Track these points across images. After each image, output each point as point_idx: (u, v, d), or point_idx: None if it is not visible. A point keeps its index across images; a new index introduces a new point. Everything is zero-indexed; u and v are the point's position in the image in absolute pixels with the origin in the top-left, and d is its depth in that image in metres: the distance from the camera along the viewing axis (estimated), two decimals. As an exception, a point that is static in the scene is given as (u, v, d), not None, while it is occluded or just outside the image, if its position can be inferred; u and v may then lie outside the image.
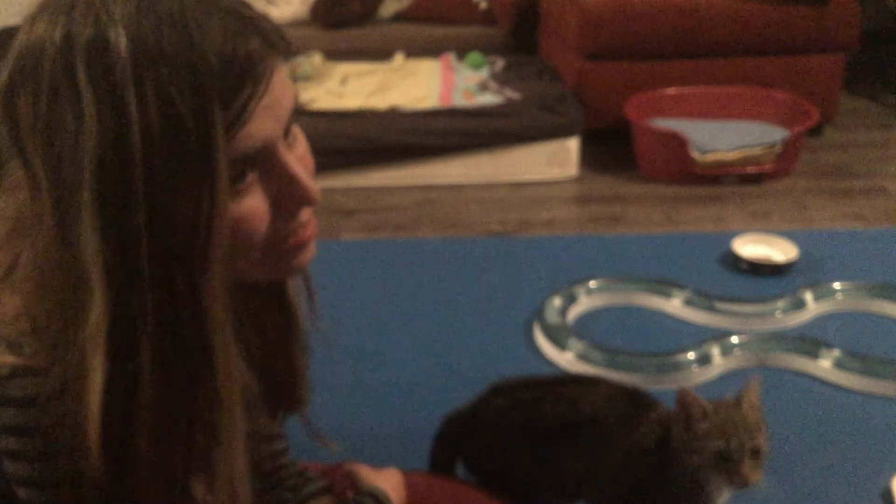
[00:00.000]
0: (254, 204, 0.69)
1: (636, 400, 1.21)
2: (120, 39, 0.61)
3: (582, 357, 1.75)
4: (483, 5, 3.63)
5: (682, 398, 1.12)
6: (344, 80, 3.06)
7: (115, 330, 0.64)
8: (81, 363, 0.64)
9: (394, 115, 2.76)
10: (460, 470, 1.31)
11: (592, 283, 2.01)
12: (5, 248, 0.71)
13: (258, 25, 0.66)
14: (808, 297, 1.95)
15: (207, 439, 0.70)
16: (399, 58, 3.26)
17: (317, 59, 3.19)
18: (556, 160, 2.71)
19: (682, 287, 1.99)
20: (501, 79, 3.01)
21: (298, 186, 0.70)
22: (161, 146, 0.61)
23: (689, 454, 1.10)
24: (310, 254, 0.76)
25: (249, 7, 0.67)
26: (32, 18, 0.64)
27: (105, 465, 0.66)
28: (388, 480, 1.05)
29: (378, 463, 1.09)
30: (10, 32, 0.67)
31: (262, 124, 0.67)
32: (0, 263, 0.70)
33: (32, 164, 0.64)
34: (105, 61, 0.61)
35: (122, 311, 0.64)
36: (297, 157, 0.72)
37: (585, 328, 1.89)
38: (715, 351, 1.75)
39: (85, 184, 0.61)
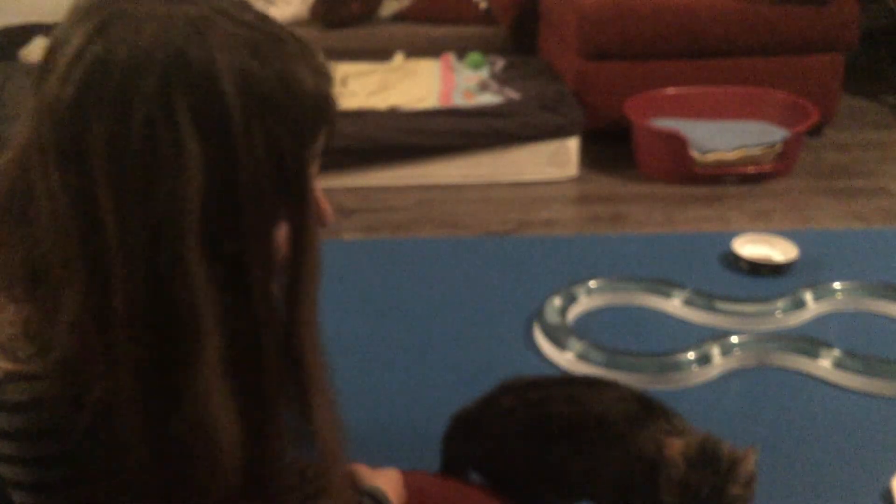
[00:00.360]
0: None
1: (647, 405, 1.19)
2: (228, 85, 0.62)
3: (582, 357, 1.75)
4: (483, 5, 3.63)
5: (669, 449, 1.09)
6: (344, 80, 3.06)
7: (229, 358, 0.67)
8: (208, 403, 0.66)
9: (394, 115, 2.76)
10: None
11: (592, 283, 2.01)
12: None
13: (324, 66, 0.70)
14: (808, 297, 1.95)
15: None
16: (399, 58, 3.26)
17: (317, 58, 3.19)
18: (556, 160, 2.71)
19: (682, 287, 1.99)
20: (501, 79, 3.01)
21: (321, 212, 0.76)
22: (267, 185, 0.65)
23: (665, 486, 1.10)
24: None
25: (310, 46, 0.70)
26: (100, 28, 0.63)
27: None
28: (387, 481, 1.05)
29: (378, 463, 1.09)
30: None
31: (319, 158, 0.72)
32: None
33: (95, 191, 0.62)
34: (213, 104, 0.62)
35: (232, 337, 0.67)
36: None
37: (585, 328, 1.89)
38: (715, 351, 1.75)
39: (189, 218, 0.62)
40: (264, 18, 0.67)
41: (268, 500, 0.76)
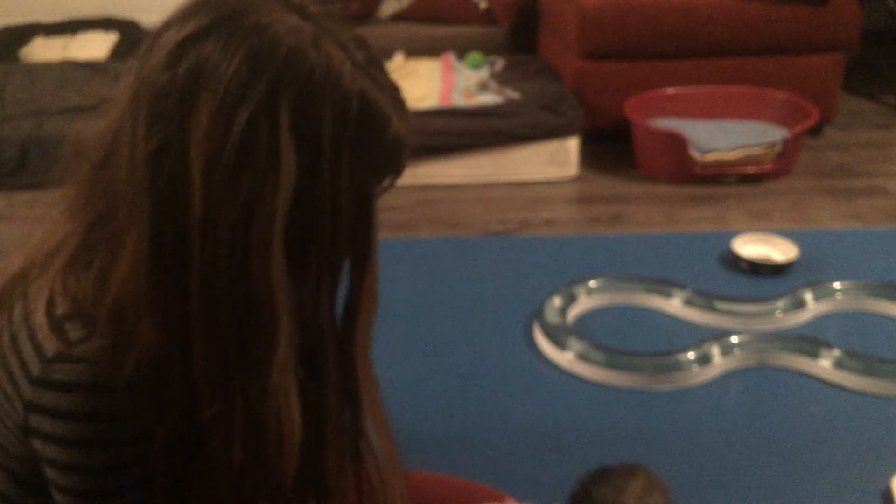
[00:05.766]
0: None
1: None
2: (327, 111, 0.66)
3: (582, 357, 1.75)
4: (483, 5, 3.63)
5: None
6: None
7: (300, 355, 0.72)
8: (277, 391, 0.70)
9: (394, 115, 2.75)
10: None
11: (592, 283, 2.01)
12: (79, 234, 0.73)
13: (408, 119, 0.74)
14: (808, 297, 1.95)
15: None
16: (399, 58, 3.26)
17: (317, 59, 3.19)
18: (556, 160, 2.71)
19: (682, 287, 1.99)
20: (501, 79, 3.01)
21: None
22: (343, 208, 0.70)
23: None
24: None
25: (404, 101, 0.74)
26: (224, 20, 0.66)
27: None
28: None
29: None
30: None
31: None
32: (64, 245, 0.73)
33: (188, 165, 0.65)
34: (310, 126, 0.66)
35: (304, 337, 0.71)
36: None
37: (585, 328, 1.89)
38: (715, 351, 1.75)
39: (277, 219, 0.66)
40: (373, 61, 0.71)
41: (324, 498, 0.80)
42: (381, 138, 0.71)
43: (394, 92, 0.73)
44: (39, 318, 0.69)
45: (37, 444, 0.71)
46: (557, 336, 1.81)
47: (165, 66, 0.65)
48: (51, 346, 0.68)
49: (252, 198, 0.65)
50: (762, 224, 2.40)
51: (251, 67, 0.64)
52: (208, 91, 0.64)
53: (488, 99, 2.83)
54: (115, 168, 0.69)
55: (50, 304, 0.70)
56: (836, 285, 1.99)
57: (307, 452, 0.74)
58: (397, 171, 0.76)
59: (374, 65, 0.71)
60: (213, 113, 0.64)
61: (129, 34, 3.60)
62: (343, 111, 0.67)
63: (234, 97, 0.64)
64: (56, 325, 0.69)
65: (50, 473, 0.72)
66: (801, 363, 1.76)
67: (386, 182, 0.76)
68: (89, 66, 3.18)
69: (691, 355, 1.73)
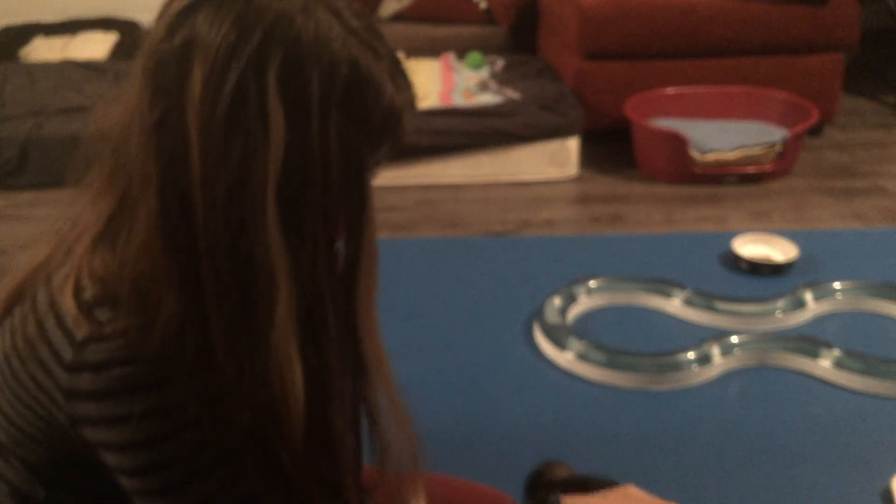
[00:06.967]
0: None
1: None
2: (314, 74, 0.67)
3: (582, 357, 1.75)
4: (483, 5, 3.63)
5: None
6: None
7: (300, 317, 0.71)
8: (279, 352, 0.70)
9: (394, 115, 2.75)
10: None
11: (592, 283, 2.01)
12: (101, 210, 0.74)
13: (408, 87, 0.75)
14: (808, 296, 1.95)
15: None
16: (399, 58, 3.26)
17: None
18: (556, 160, 2.71)
19: (682, 287, 1.99)
20: (501, 78, 3.01)
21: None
22: (335, 171, 0.70)
23: None
24: None
25: (403, 67, 0.75)
26: (214, 4, 0.67)
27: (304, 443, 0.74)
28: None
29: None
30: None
31: None
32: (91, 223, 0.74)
33: (186, 130, 0.67)
34: (298, 89, 0.67)
35: (302, 300, 0.71)
36: None
37: (585, 328, 1.89)
38: (715, 351, 1.75)
39: (270, 179, 0.67)
40: (370, 29, 0.72)
41: (328, 479, 0.79)
42: (374, 103, 0.71)
43: (393, 61, 0.74)
44: (67, 302, 0.70)
45: (88, 432, 0.71)
46: (557, 336, 1.81)
47: (164, 38, 0.68)
48: (81, 330, 0.69)
49: (245, 158, 0.67)
50: (762, 224, 2.40)
51: (239, 33, 0.66)
52: (200, 57, 0.66)
53: (488, 99, 2.83)
54: (129, 146, 0.70)
55: (77, 288, 0.71)
56: (836, 285, 1.99)
57: (313, 416, 0.74)
58: (394, 140, 0.76)
59: (370, 32, 0.72)
60: (206, 78, 0.66)
61: (129, 34, 3.60)
62: (331, 75, 0.68)
63: (223, 62, 0.66)
64: (85, 309, 0.70)
65: (110, 459, 0.73)
66: (801, 363, 1.76)
67: (383, 150, 0.76)
68: (89, 66, 3.18)
69: (691, 355, 1.74)
